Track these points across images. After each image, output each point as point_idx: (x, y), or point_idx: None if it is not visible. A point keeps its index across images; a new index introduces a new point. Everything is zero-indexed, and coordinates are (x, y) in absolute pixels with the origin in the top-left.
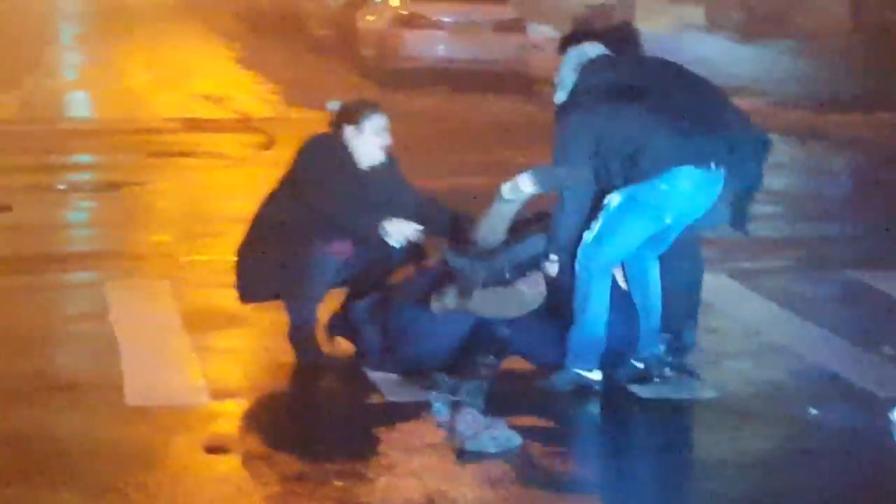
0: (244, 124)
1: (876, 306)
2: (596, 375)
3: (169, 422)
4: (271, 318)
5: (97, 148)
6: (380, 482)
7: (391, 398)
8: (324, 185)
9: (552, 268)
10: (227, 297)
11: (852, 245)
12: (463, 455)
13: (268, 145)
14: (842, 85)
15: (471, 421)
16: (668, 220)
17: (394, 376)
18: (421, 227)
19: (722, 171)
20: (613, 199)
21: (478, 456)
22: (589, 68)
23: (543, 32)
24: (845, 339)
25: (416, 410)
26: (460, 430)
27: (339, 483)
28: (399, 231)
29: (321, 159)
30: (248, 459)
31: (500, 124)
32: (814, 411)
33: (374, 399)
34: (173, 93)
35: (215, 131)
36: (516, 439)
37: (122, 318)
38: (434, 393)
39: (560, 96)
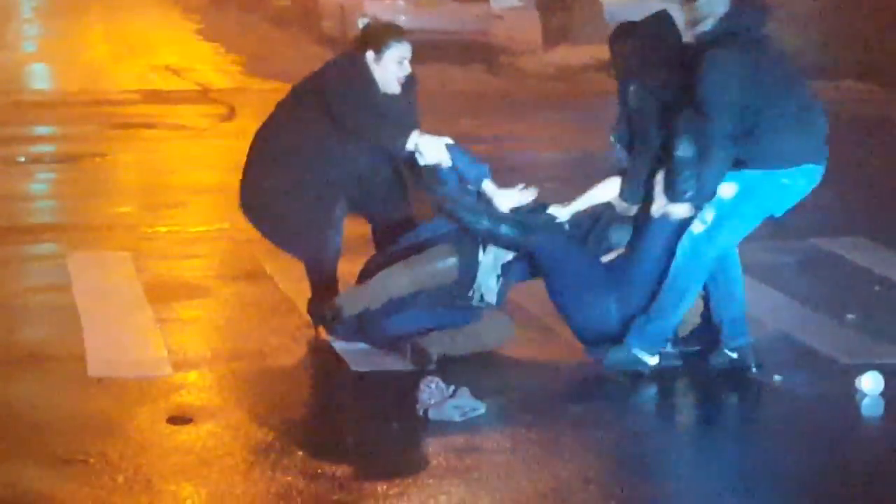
0: (205, 95)
1: (840, 274)
2: (654, 360)
3: (131, 393)
4: (233, 290)
5: (57, 120)
6: (343, 452)
7: (355, 368)
8: (353, 101)
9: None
10: (190, 269)
11: (817, 213)
12: (427, 424)
13: (228, 116)
14: (803, 53)
15: (434, 390)
16: (777, 215)
17: (360, 346)
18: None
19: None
20: (726, 190)
21: (442, 424)
22: (740, 6)
23: (506, 3)
24: (810, 307)
25: (380, 380)
26: (423, 399)
27: (301, 453)
28: (431, 147)
29: (348, 81)
30: (211, 430)
31: (462, 95)
32: (778, 378)
33: (339, 369)
34: (134, 64)
35: (176, 103)
36: (480, 408)
37: (85, 289)
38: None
39: (706, 24)
